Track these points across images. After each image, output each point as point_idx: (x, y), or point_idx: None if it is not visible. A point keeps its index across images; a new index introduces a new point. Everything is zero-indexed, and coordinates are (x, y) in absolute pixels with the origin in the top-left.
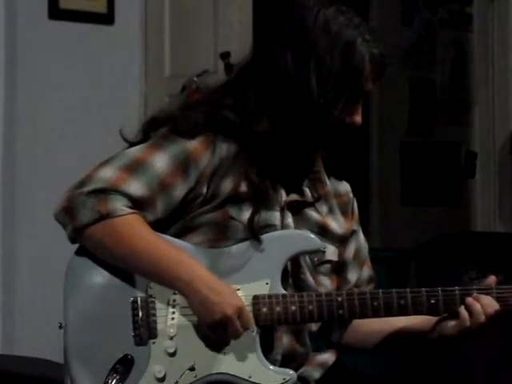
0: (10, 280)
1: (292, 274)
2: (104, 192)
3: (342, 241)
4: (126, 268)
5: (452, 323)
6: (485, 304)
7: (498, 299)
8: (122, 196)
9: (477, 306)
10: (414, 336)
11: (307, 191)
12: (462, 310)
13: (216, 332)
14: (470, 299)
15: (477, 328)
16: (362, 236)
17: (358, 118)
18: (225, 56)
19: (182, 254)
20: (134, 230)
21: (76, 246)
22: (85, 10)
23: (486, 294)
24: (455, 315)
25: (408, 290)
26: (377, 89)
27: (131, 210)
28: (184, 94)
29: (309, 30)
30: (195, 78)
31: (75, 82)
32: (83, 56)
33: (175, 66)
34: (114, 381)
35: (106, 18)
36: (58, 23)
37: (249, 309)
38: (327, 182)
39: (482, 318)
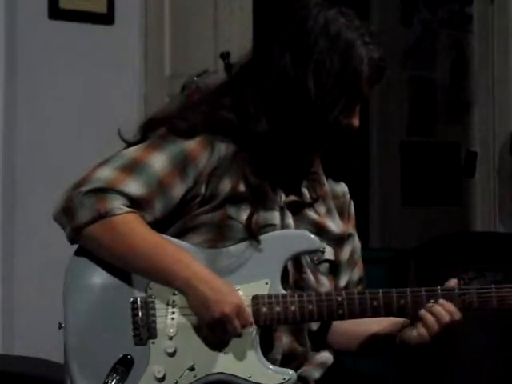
0: (10, 280)
1: (293, 273)
2: (102, 191)
3: (338, 241)
4: (124, 267)
5: (412, 333)
6: (437, 313)
7: (497, 299)
8: (120, 195)
9: (429, 318)
10: (383, 341)
11: (305, 192)
12: (419, 326)
13: (215, 330)
14: (422, 311)
15: (434, 336)
16: (356, 239)
17: (356, 121)
18: (225, 56)
19: (181, 253)
20: (133, 228)
21: (75, 246)
22: (85, 10)
23: (485, 293)
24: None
25: (408, 289)
26: (376, 91)
27: (129, 209)
28: (184, 94)
29: (308, 31)
30: (195, 78)
31: (75, 82)
32: (83, 56)
33: (175, 66)
34: (114, 381)
35: (106, 18)
36: (57, 23)
37: (248, 309)
38: (325, 182)
39: (435, 328)
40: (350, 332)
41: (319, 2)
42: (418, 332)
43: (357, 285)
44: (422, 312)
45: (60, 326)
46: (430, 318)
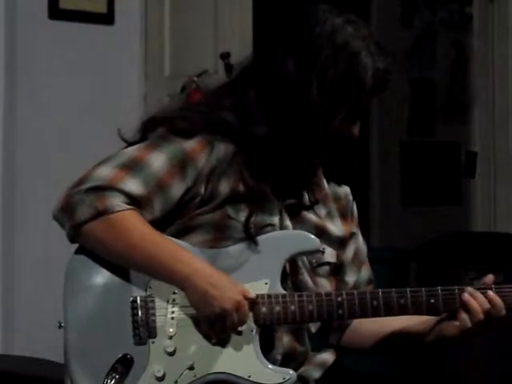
0: (10, 280)
1: (290, 275)
2: (101, 189)
3: (340, 243)
4: (124, 264)
5: (451, 324)
6: (481, 301)
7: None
8: (119, 193)
9: (474, 304)
10: (411, 338)
11: (305, 195)
12: (461, 312)
13: (214, 326)
14: (466, 295)
15: (476, 326)
16: (361, 238)
17: (356, 131)
18: (225, 56)
19: (181, 250)
20: (132, 225)
21: (76, 245)
22: (85, 10)
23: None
24: (453, 316)
25: (408, 289)
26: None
27: (129, 206)
28: (184, 94)
29: (315, 38)
30: (195, 78)
31: (75, 82)
32: (83, 56)
33: (175, 66)
34: (114, 380)
35: (106, 18)
36: (57, 23)
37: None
38: (325, 186)
39: (481, 316)
40: (373, 332)
41: (328, 8)
42: (459, 322)
43: (366, 284)
44: (466, 297)
45: (60, 326)
46: (474, 305)
